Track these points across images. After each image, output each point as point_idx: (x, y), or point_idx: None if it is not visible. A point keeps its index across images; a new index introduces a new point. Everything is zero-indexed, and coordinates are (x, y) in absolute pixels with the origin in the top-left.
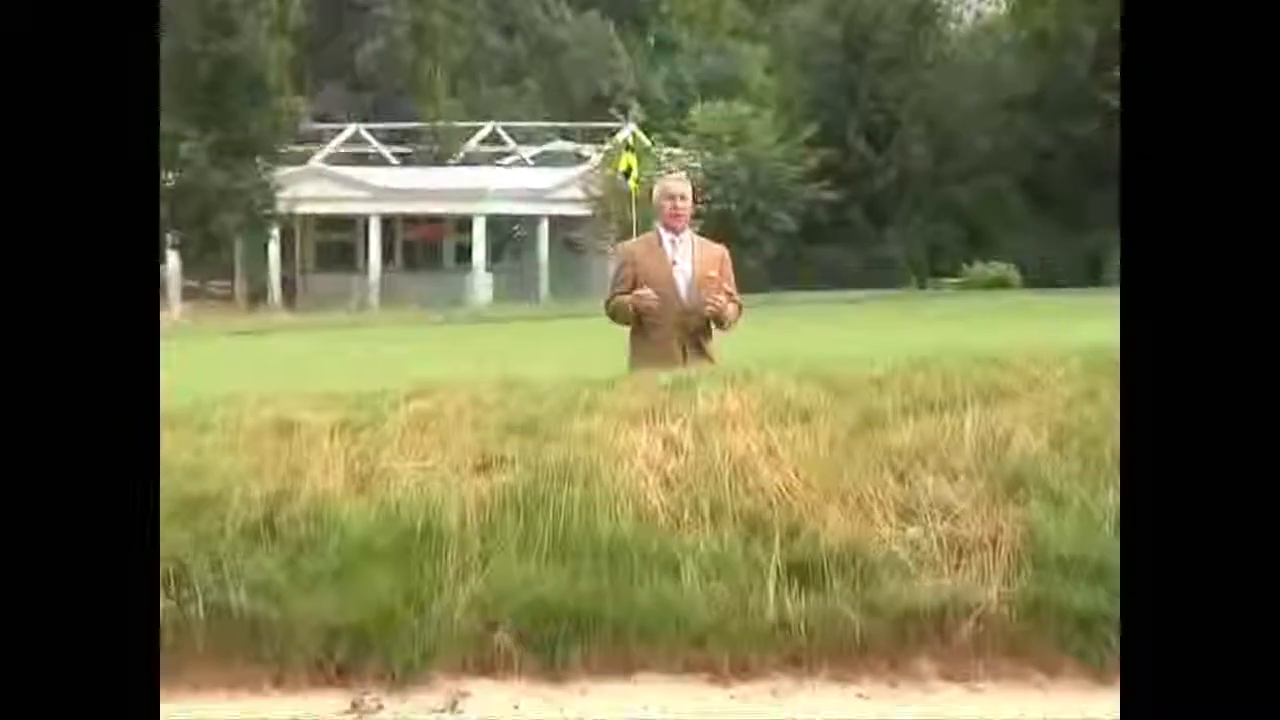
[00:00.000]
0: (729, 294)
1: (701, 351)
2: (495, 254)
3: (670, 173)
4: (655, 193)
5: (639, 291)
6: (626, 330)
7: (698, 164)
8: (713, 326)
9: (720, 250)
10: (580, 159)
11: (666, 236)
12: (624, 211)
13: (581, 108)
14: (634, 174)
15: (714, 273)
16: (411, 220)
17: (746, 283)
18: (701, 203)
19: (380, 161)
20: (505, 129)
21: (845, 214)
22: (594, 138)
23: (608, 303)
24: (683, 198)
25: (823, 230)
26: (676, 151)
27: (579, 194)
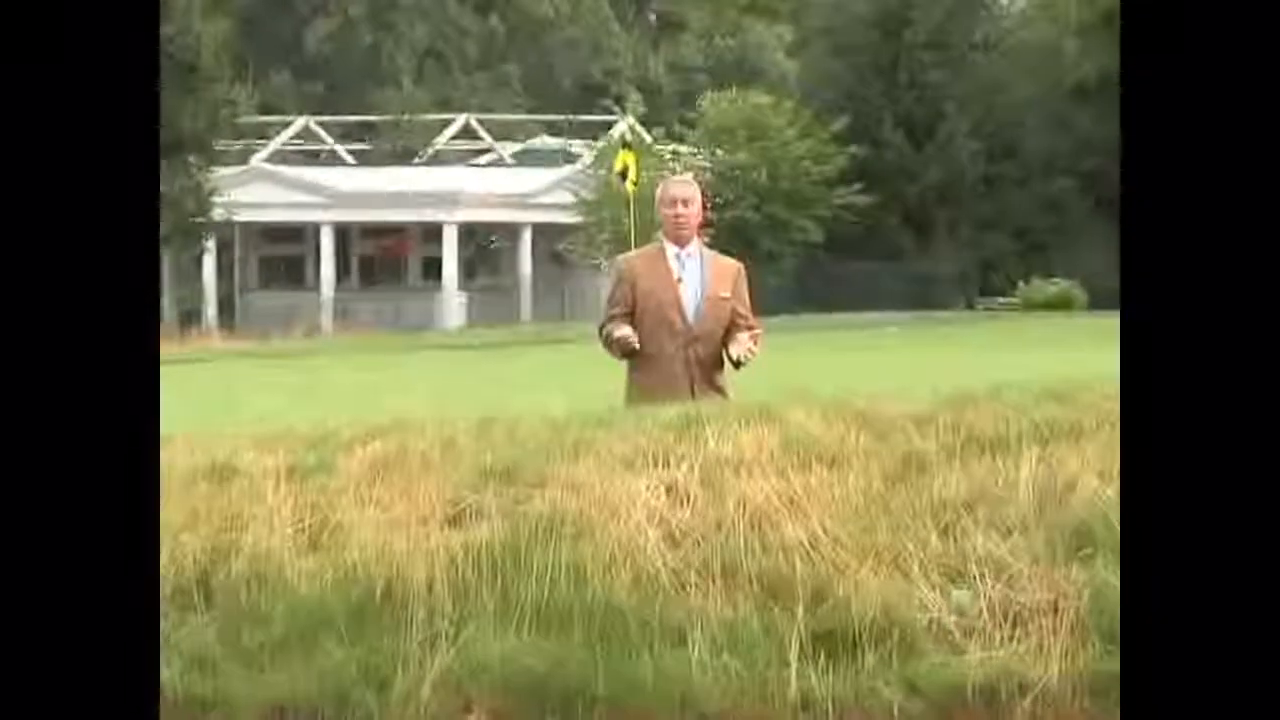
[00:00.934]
0: (744, 318)
1: (712, 384)
2: (469, 269)
3: (674, 174)
4: (657, 197)
5: (619, 333)
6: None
7: (707, 163)
8: (725, 355)
9: (735, 266)
10: (569, 158)
11: (671, 249)
12: (620, 219)
13: (570, 97)
14: (632, 175)
15: (726, 292)
16: (371, 230)
17: (765, 303)
18: (712, 209)
19: (334, 160)
20: (481, 122)
21: (881, 222)
22: (585, 133)
23: (602, 328)
24: (687, 203)
25: (854, 241)
26: (682, 149)
27: (567, 199)
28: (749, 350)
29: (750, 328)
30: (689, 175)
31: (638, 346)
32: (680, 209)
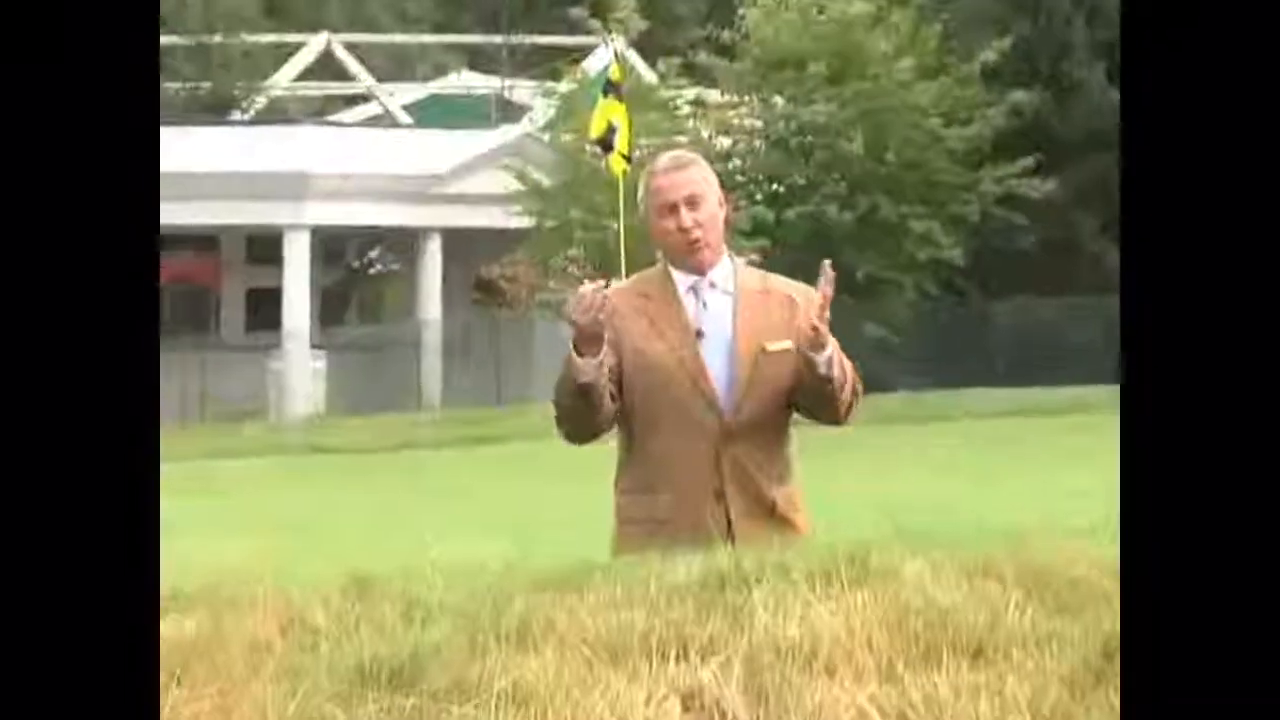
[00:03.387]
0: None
1: (766, 510)
2: (331, 311)
3: (702, 140)
4: (644, 197)
5: (580, 288)
6: (608, 459)
7: (757, 121)
8: (790, 454)
9: (798, 293)
10: (507, 112)
11: (683, 279)
12: (599, 220)
13: (510, 6)
14: (620, 143)
15: (784, 342)
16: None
17: (868, 369)
18: (766, 203)
19: None
20: (351, 49)
21: (1067, 228)
22: (537, 68)
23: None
24: (694, 203)
25: (1019, 261)
26: (712, 96)
27: (504, 185)
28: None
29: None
30: (684, 153)
31: (599, 329)
32: (684, 216)
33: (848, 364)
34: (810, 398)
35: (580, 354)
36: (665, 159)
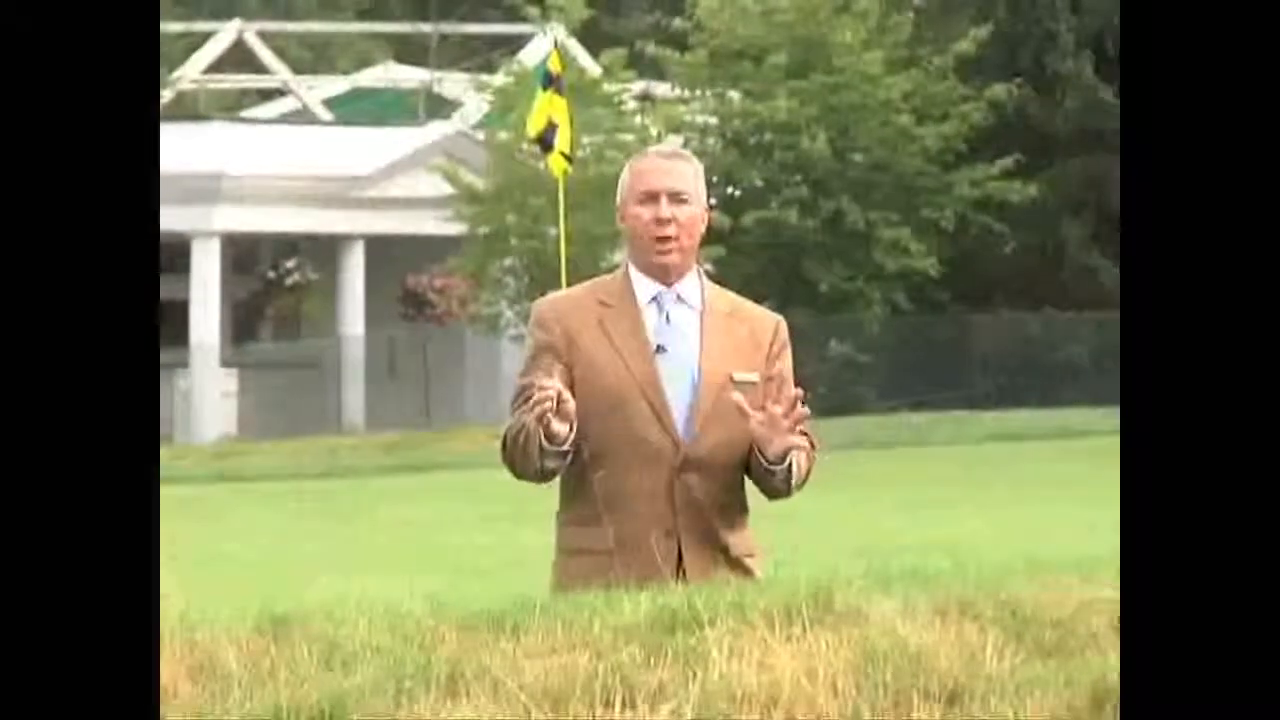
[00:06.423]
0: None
1: (720, 549)
2: (243, 325)
3: (649, 139)
4: (621, 187)
5: (540, 388)
6: (549, 497)
7: (710, 117)
8: (744, 489)
9: (769, 322)
10: (436, 107)
11: (645, 288)
12: (537, 228)
13: None
14: (561, 141)
15: (750, 373)
16: None
17: (834, 391)
18: (713, 205)
19: None
20: (265, 39)
21: (1051, 232)
22: (469, 59)
23: (505, 436)
24: (679, 198)
25: (998, 271)
26: (661, 91)
27: (435, 189)
28: (803, 449)
29: (800, 437)
30: (679, 148)
31: (565, 431)
32: (663, 207)
33: (803, 459)
34: (756, 480)
35: (549, 440)
36: (657, 147)
